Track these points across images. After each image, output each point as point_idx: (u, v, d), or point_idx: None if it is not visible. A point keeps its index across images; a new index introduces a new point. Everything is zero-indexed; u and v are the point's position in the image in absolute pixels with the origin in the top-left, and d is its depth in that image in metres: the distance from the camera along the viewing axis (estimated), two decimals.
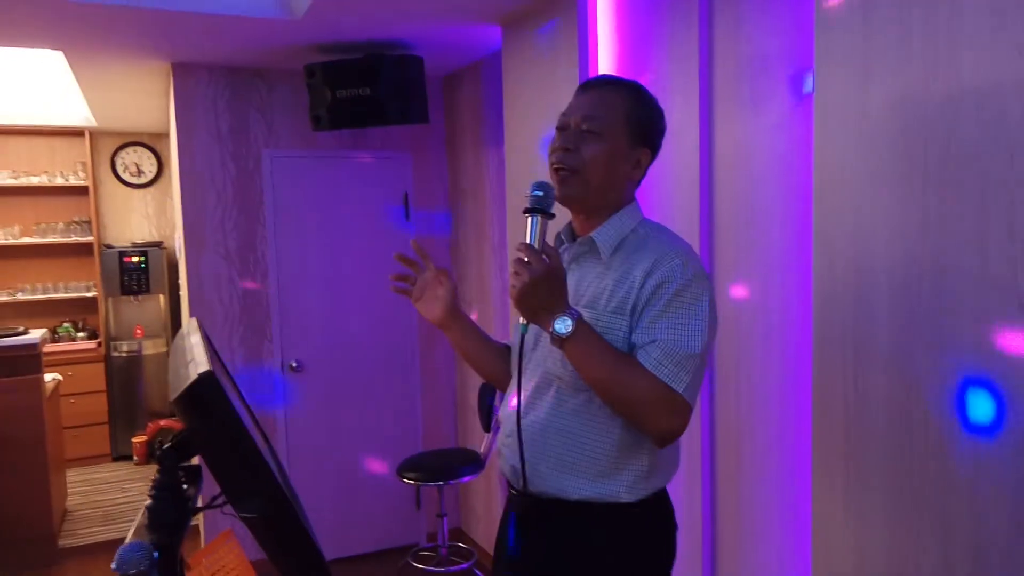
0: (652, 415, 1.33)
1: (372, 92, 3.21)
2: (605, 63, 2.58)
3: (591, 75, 2.59)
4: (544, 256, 1.30)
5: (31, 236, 5.76)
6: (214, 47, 3.30)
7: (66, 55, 3.31)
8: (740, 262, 2.08)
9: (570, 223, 1.53)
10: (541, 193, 1.33)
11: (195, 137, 3.65)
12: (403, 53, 3.37)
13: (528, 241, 1.33)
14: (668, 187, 2.31)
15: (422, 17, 2.94)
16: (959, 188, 1.43)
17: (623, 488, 1.40)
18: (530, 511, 1.48)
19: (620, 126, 1.42)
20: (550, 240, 1.39)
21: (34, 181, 5.74)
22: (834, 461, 1.71)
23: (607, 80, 1.50)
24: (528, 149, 2.88)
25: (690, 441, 2.26)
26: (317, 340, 3.93)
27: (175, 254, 5.34)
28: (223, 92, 3.68)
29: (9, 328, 4.30)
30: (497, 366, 1.67)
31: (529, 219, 1.33)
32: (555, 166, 1.43)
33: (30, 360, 4.00)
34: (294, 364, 3.87)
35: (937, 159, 1.46)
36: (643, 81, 2.40)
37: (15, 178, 5.70)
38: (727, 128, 2.10)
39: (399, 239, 4.08)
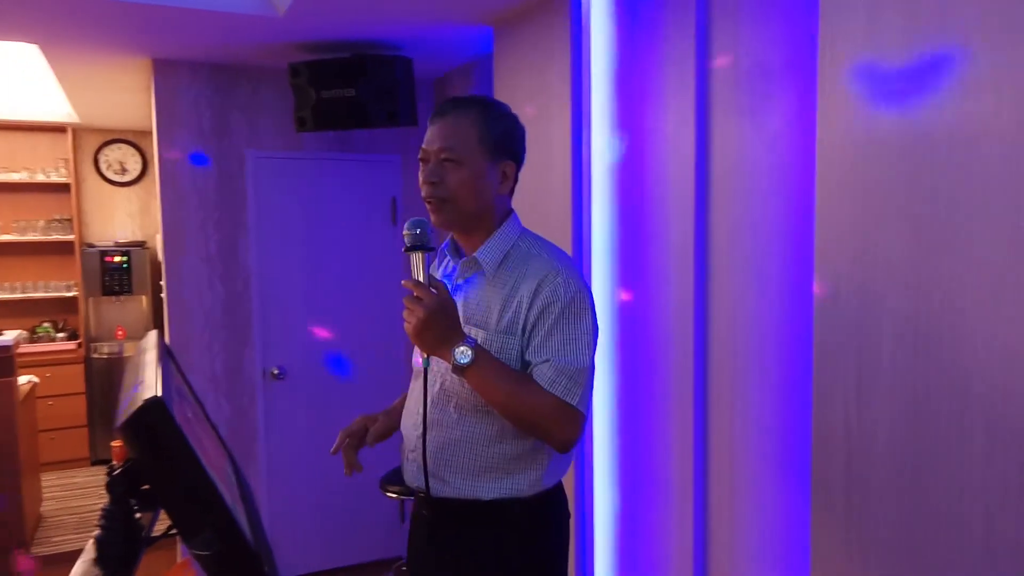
0: (552, 428, 1.45)
1: (357, 93, 3.11)
2: (598, 67, 2.49)
3: (583, 79, 2.50)
4: (433, 289, 1.40)
5: (10, 233, 5.62)
6: (196, 43, 3.20)
7: (41, 49, 3.20)
8: (736, 280, 2.00)
9: (452, 238, 1.63)
10: (418, 231, 1.43)
11: (176, 136, 3.54)
12: (391, 53, 3.28)
13: (415, 278, 1.43)
14: (662, 200, 2.23)
15: (408, 16, 2.85)
16: (972, 209, 1.34)
17: (526, 485, 1.52)
18: (441, 513, 1.57)
19: (475, 148, 1.50)
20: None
21: (14, 177, 5.61)
22: (835, 491, 1.62)
23: (453, 104, 1.55)
24: None
25: (682, 466, 2.18)
26: (300, 347, 3.83)
27: (158, 254, 5.23)
28: (205, 90, 3.57)
29: None
30: None
31: (411, 257, 1.43)
32: (425, 199, 1.53)
33: (3, 363, 3.88)
34: (276, 371, 3.77)
35: (949, 176, 1.38)
36: (636, 88, 2.32)
37: None
38: (724, 139, 2.01)
39: (386, 244, 3.98)
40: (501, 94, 2.94)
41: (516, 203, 1.64)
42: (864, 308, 1.55)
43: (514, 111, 1.63)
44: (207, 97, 3.58)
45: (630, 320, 2.41)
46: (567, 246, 2.52)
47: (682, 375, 2.17)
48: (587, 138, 2.53)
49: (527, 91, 2.76)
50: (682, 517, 2.19)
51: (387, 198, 3.98)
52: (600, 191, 2.53)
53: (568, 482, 2.58)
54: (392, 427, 1.74)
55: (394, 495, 3.26)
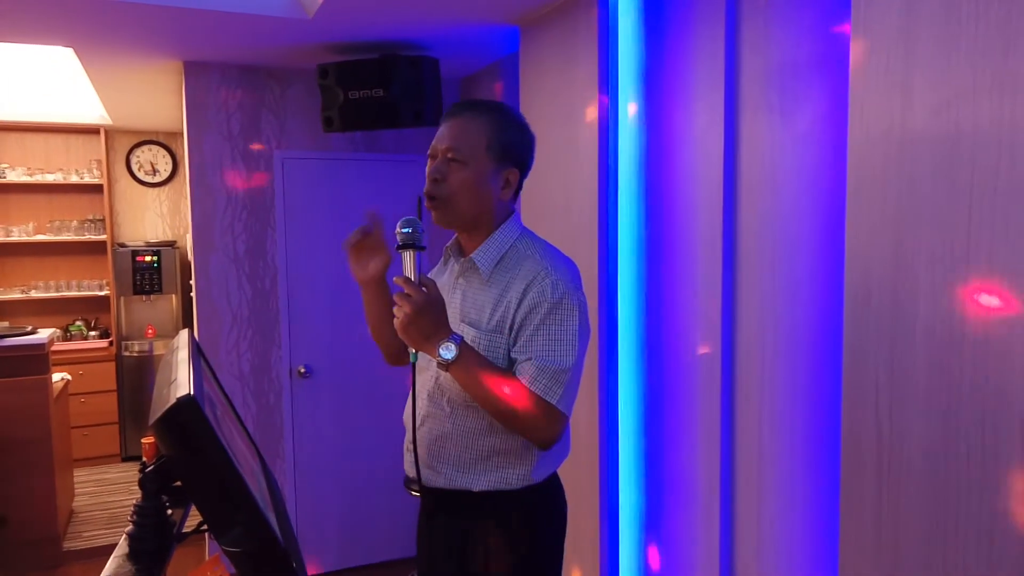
0: (530, 425, 1.48)
1: (385, 94, 3.13)
2: (626, 65, 2.48)
3: (611, 77, 2.49)
4: (422, 287, 1.45)
5: (45, 233, 5.74)
6: (226, 45, 3.24)
7: (76, 52, 3.26)
8: (765, 279, 1.98)
9: (457, 237, 1.68)
10: (409, 230, 1.48)
11: (206, 137, 3.58)
12: (418, 54, 3.29)
13: (406, 275, 1.47)
14: (691, 199, 2.21)
15: (435, 17, 2.86)
16: (1007, 208, 1.32)
17: (515, 479, 1.57)
18: (435, 503, 1.65)
19: (482, 152, 1.54)
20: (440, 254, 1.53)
21: (49, 178, 5.72)
22: (865, 495, 1.60)
23: (468, 106, 1.59)
24: (543, 152, 2.79)
25: (709, 467, 2.16)
26: (327, 345, 3.86)
27: (188, 254, 5.30)
28: (235, 91, 3.61)
29: (17, 327, 4.26)
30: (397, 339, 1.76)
31: (403, 255, 1.48)
32: (427, 194, 1.57)
33: (37, 360, 3.96)
34: (303, 369, 3.80)
35: (986, 176, 1.35)
36: (665, 86, 2.30)
37: (30, 175, 5.68)
38: (753, 137, 1.99)
39: None
40: (527, 93, 2.94)
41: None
42: (896, 308, 1.52)
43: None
44: (237, 98, 3.62)
45: (657, 318, 2.40)
46: (594, 246, 2.51)
47: (709, 375, 2.15)
48: (614, 137, 2.52)
49: (554, 90, 2.75)
50: (709, 518, 2.17)
51: (413, 198, 4.00)
52: (628, 190, 2.51)
53: (594, 480, 2.57)
54: (385, 301, 1.74)
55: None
